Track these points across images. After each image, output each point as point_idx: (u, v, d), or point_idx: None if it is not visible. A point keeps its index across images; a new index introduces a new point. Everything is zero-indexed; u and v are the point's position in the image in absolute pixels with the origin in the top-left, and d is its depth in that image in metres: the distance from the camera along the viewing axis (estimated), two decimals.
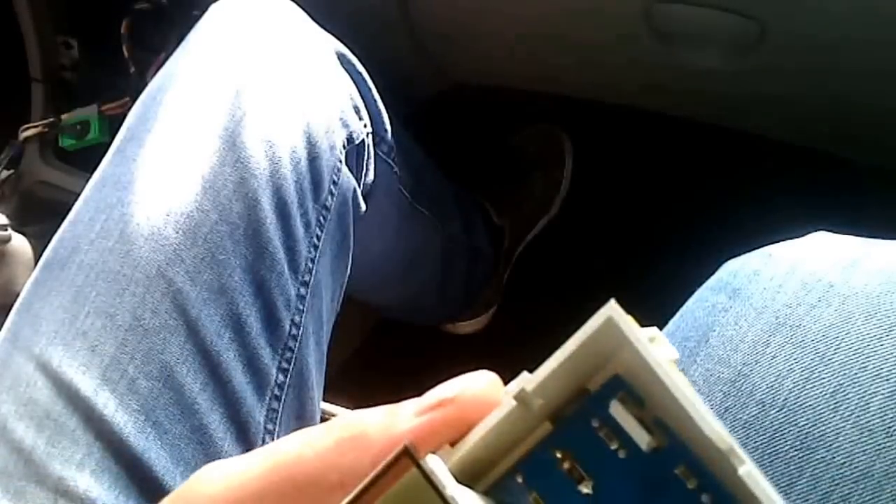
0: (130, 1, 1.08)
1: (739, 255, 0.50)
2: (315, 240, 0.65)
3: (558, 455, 0.23)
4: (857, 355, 0.42)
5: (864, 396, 0.40)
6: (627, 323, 0.21)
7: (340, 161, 0.68)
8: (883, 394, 0.40)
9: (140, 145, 0.62)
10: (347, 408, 0.78)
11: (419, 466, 0.21)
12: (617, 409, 0.22)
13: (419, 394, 0.25)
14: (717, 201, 1.16)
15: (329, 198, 0.67)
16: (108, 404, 0.53)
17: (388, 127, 0.77)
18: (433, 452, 0.23)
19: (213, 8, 0.70)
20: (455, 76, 1.05)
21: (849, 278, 0.44)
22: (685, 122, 0.94)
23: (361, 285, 0.79)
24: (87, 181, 0.64)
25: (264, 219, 0.61)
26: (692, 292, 0.52)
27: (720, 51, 0.79)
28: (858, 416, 0.40)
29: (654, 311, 0.54)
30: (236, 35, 0.67)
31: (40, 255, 0.62)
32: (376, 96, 0.75)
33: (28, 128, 1.12)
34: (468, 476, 0.23)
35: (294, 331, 0.62)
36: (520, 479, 0.23)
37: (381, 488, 0.22)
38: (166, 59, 0.70)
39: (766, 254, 0.48)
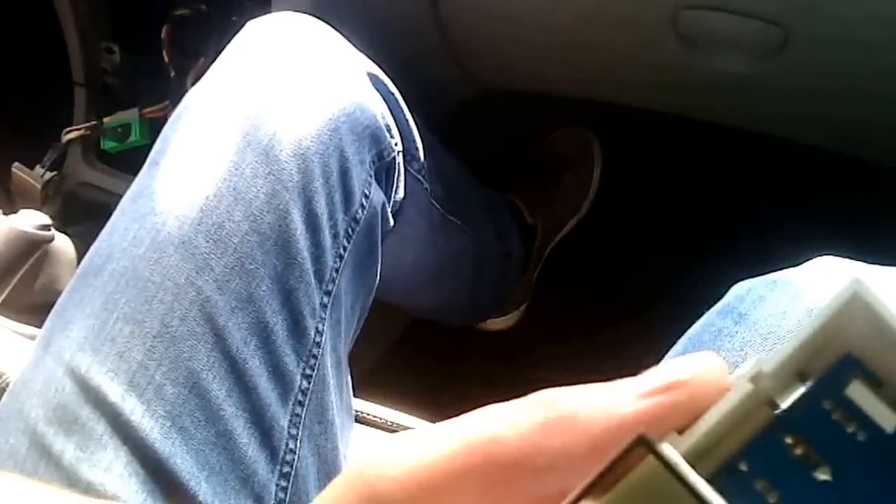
0: (171, 7, 1.10)
1: (752, 275, 0.51)
2: (342, 250, 0.66)
3: (789, 441, 0.21)
4: None
5: None
6: (874, 296, 0.20)
7: (371, 176, 0.69)
8: None
9: (174, 156, 0.64)
10: (382, 405, 0.79)
11: (658, 455, 0.20)
12: (856, 389, 0.20)
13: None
14: (743, 202, 1.16)
15: (360, 210, 0.68)
16: (135, 410, 0.54)
17: (420, 145, 0.78)
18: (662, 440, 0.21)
19: (249, 24, 0.72)
20: (486, 81, 1.05)
21: None
22: (711, 126, 0.95)
23: (393, 292, 0.80)
24: (128, 183, 0.66)
25: (294, 230, 0.62)
26: (718, 291, 0.52)
27: (745, 56, 0.79)
28: None
29: (680, 309, 0.55)
30: (272, 52, 0.69)
31: (82, 255, 0.63)
32: (408, 115, 0.76)
33: (71, 130, 1.15)
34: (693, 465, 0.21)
35: (318, 338, 0.63)
36: (744, 468, 0.21)
37: (616, 477, 0.20)
38: (205, 63, 0.71)
39: (772, 280, 0.48)
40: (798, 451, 0.21)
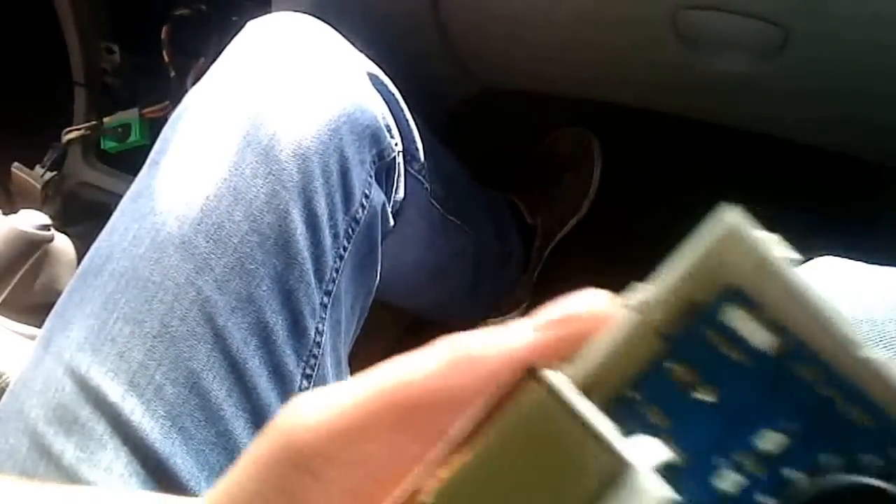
0: (171, 7, 1.10)
1: None
2: (342, 250, 0.66)
3: (676, 368, 0.22)
4: None
5: None
6: (747, 226, 0.21)
7: (371, 176, 0.69)
8: None
9: (174, 156, 0.64)
10: None
11: (545, 383, 0.21)
12: (734, 316, 0.22)
13: None
14: (743, 202, 1.16)
15: (360, 210, 0.68)
16: (135, 410, 0.54)
17: (420, 145, 0.78)
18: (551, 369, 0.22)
19: (249, 24, 0.72)
20: (486, 81, 1.05)
21: (854, 306, 0.44)
22: (711, 126, 0.95)
23: (393, 292, 0.80)
24: (128, 183, 0.66)
25: (294, 230, 0.62)
26: None
27: (745, 56, 0.79)
28: None
29: None
30: (271, 53, 0.69)
31: (82, 255, 0.63)
32: (408, 115, 0.76)
33: (71, 130, 1.15)
34: (583, 394, 0.22)
35: (318, 338, 0.63)
36: (637, 396, 0.22)
37: (505, 407, 0.21)
38: (205, 63, 0.71)
39: None
40: (685, 377, 0.22)
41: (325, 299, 0.64)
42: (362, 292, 0.71)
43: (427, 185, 0.82)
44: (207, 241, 0.59)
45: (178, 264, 0.59)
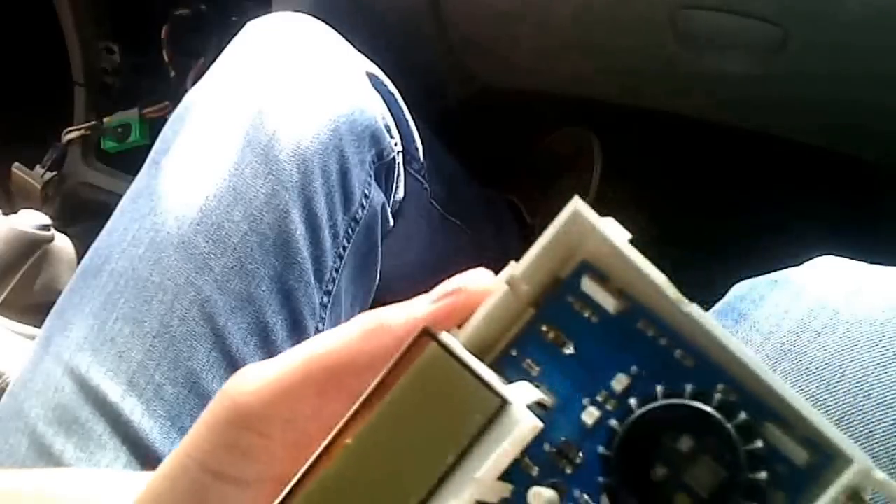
0: (170, 7, 1.10)
1: (753, 274, 0.51)
2: (342, 250, 0.66)
3: (544, 329, 0.28)
4: (861, 383, 0.42)
5: (867, 425, 0.41)
6: (591, 212, 0.26)
7: (371, 176, 0.69)
8: (887, 422, 0.40)
9: (174, 157, 0.64)
10: None
11: (438, 341, 0.25)
12: (587, 285, 0.27)
13: None
14: (743, 202, 1.16)
15: (360, 210, 0.68)
16: (134, 410, 0.54)
17: (419, 145, 0.78)
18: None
19: (249, 25, 0.72)
20: (487, 80, 1.05)
21: (854, 305, 0.44)
22: (711, 126, 0.95)
23: (393, 291, 0.80)
24: (128, 183, 0.66)
25: (294, 230, 0.62)
26: (719, 291, 0.52)
27: (744, 55, 0.79)
28: (863, 445, 0.40)
29: None
30: (271, 52, 0.69)
31: (82, 255, 0.63)
32: (407, 115, 0.76)
33: (71, 130, 1.15)
34: (475, 355, 0.27)
35: None
36: (514, 353, 0.28)
37: (407, 363, 0.25)
38: (205, 63, 0.71)
39: (773, 279, 0.48)
40: (551, 335, 0.28)
41: (325, 299, 0.64)
42: (362, 292, 0.71)
43: (426, 185, 0.82)
44: (207, 241, 0.59)
45: (177, 264, 0.59)
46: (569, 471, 0.27)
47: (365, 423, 0.25)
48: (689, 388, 0.25)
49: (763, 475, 0.24)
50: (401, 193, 0.76)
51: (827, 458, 0.24)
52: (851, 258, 0.49)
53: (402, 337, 0.26)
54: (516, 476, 0.27)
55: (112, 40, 1.15)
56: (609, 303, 0.27)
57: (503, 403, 0.24)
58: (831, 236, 0.66)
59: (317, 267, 0.63)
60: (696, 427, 0.25)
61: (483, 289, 0.28)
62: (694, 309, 0.25)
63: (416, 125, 0.78)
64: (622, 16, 0.82)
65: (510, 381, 0.27)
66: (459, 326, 0.28)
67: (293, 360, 0.29)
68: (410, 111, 0.77)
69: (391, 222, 0.74)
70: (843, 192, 1.07)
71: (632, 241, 0.26)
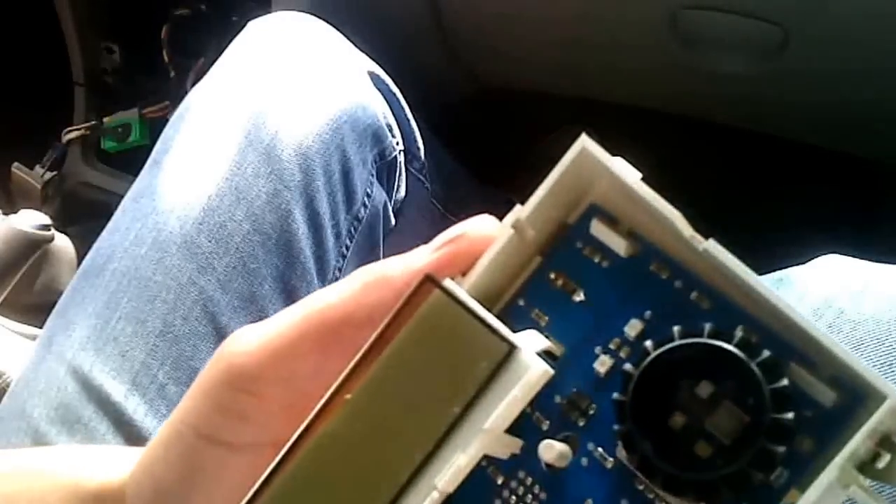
0: (170, 7, 1.10)
1: (758, 265, 0.51)
2: (344, 249, 0.66)
3: (552, 276, 0.27)
4: None
5: None
6: (599, 150, 0.25)
7: (373, 175, 0.70)
8: None
9: (175, 156, 0.64)
10: None
11: (441, 287, 0.24)
12: (596, 228, 0.26)
13: None
14: (743, 202, 1.16)
15: (362, 210, 0.68)
16: (137, 409, 0.54)
17: (420, 144, 0.78)
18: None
19: (250, 24, 0.72)
20: (487, 80, 1.05)
21: (859, 304, 0.44)
22: (711, 126, 0.95)
23: None
24: (128, 183, 0.66)
25: (296, 230, 0.62)
26: None
27: (744, 55, 0.79)
28: None
29: None
30: (272, 52, 0.69)
31: (82, 255, 0.63)
32: (408, 114, 0.76)
33: (71, 130, 1.15)
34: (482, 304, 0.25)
35: None
36: (522, 302, 0.27)
37: (409, 312, 0.24)
38: (205, 63, 0.71)
39: (778, 278, 0.48)
40: (560, 282, 0.27)
41: None
42: None
43: (427, 184, 0.82)
44: (210, 241, 0.60)
45: (180, 264, 0.59)
46: (581, 423, 0.26)
47: (366, 377, 0.24)
48: (707, 326, 0.24)
49: (790, 415, 0.22)
50: (402, 192, 0.76)
51: (857, 398, 0.23)
52: (854, 258, 0.49)
53: (403, 289, 0.25)
54: (526, 430, 0.26)
55: (112, 40, 1.15)
56: (620, 246, 0.26)
57: (511, 349, 0.23)
58: (832, 238, 0.66)
59: (319, 266, 0.63)
60: (716, 369, 0.23)
61: (487, 235, 0.27)
62: (710, 245, 0.24)
63: (418, 127, 0.78)
64: (622, 16, 0.82)
65: (518, 332, 0.26)
66: (463, 275, 0.27)
67: (290, 317, 0.28)
68: (412, 111, 0.77)
69: (393, 221, 0.74)
70: (844, 192, 1.07)
71: (643, 181, 0.25)
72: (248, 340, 0.28)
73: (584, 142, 0.26)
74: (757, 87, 0.83)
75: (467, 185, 0.97)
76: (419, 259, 0.27)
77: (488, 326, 0.23)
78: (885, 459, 0.22)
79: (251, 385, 0.28)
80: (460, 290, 0.24)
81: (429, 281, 0.24)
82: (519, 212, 0.26)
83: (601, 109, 1.04)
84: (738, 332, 0.23)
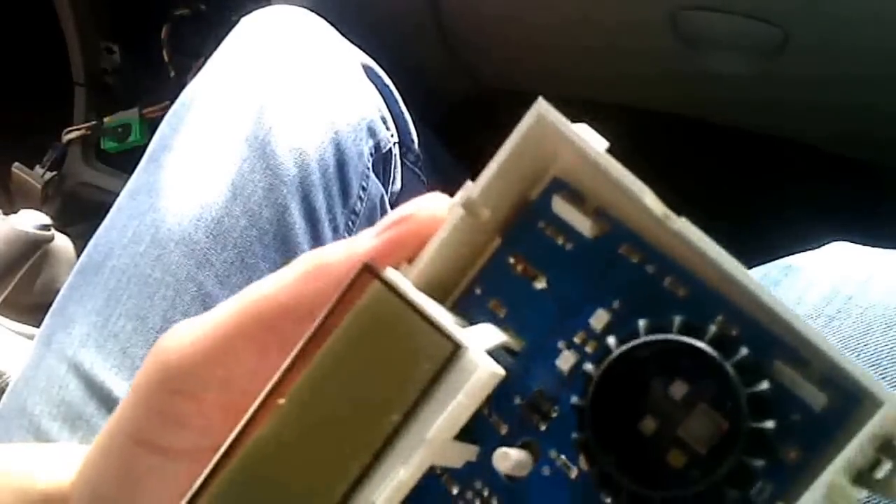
0: (170, 7, 1.10)
1: (762, 262, 0.51)
2: None
3: (511, 260, 0.24)
4: (875, 367, 0.42)
5: None
6: (558, 116, 0.22)
7: (368, 168, 0.70)
8: None
9: (172, 153, 0.64)
10: None
11: (380, 278, 0.21)
12: (559, 206, 0.23)
13: None
14: (745, 203, 1.16)
15: (358, 203, 0.68)
16: None
17: (415, 137, 0.78)
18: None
19: (243, 20, 0.72)
20: (486, 80, 1.05)
21: (867, 290, 0.45)
22: (711, 126, 0.95)
23: None
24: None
25: (293, 224, 0.62)
26: None
27: (744, 56, 0.79)
28: None
29: None
30: (266, 47, 0.69)
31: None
32: (402, 107, 0.76)
33: (71, 130, 1.15)
34: (432, 295, 0.23)
35: None
36: (479, 291, 0.24)
37: (347, 305, 0.22)
38: (205, 63, 0.71)
39: (786, 265, 0.48)
40: (519, 268, 0.24)
41: None
42: None
43: (423, 177, 0.82)
44: (207, 237, 0.60)
45: (178, 260, 0.59)
46: (543, 427, 0.23)
47: (298, 380, 0.22)
48: (677, 320, 0.21)
49: (770, 424, 0.20)
50: (398, 185, 0.76)
51: (850, 402, 0.20)
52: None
53: (343, 277, 0.23)
54: (483, 435, 0.23)
55: (112, 40, 1.15)
56: (585, 225, 0.23)
57: (456, 348, 0.20)
58: (834, 235, 0.66)
59: None
60: (690, 367, 0.21)
61: (436, 216, 0.24)
62: (683, 224, 0.21)
63: (411, 118, 0.78)
64: (622, 16, 0.82)
65: (475, 324, 0.23)
66: (410, 262, 0.24)
67: (225, 311, 0.26)
68: (410, 109, 0.77)
69: None
70: (845, 194, 1.07)
71: (610, 151, 0.22)
72: (182, 337, 0.26)
73: (541, 107, 0.22)
74: (756, 87, 0.83)
75: (464, 178, 0.97)
76: (360, 246, 0.25)
77: (430, 322, 0.21)
78: (886, 468, 0.20)
79: (187, 386, 0.26)
80: (403, 281, 0.22)
81: (367, 271, 0.22)
82: (469, 189, 0.23)
83: (601, 110, 1.04)
84: (713, 327, 0.21)
